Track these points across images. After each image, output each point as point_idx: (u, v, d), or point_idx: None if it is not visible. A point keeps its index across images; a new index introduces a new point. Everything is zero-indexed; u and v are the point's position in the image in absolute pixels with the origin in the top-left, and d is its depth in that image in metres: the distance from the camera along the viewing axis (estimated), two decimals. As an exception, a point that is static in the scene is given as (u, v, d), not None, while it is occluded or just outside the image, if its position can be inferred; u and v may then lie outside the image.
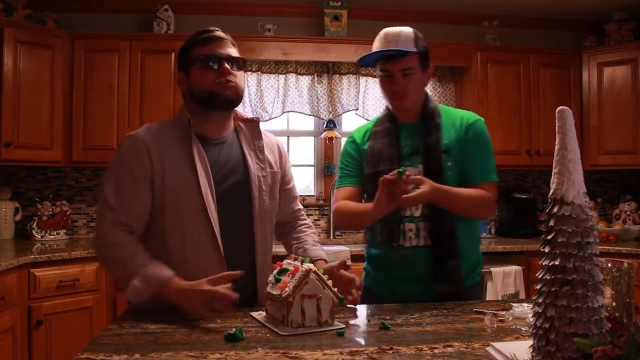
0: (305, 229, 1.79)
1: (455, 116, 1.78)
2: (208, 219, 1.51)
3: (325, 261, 1.67)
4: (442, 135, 1.72)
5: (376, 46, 1.72)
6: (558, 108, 0.88)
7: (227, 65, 1.54)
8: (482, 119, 1.79)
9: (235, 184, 1.58)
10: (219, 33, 1.58)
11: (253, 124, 1.68)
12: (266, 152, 1.66)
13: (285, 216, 1.77)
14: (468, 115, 1.78)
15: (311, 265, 1.32)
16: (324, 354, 1.10)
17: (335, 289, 1.35)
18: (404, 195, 1.50)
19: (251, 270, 1.58)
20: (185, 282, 1.40)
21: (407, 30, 1.71)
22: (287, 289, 1.28)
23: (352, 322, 1.37)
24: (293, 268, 1.34)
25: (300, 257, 1.37)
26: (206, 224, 1.51)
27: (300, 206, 1.84)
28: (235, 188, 1.58)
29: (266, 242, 1.64)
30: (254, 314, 1.42)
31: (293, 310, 1.27)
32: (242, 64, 1.60)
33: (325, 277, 1.34)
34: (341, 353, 1.11)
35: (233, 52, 1.58)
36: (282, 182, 1.72)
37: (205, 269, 1.46)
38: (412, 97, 1.73)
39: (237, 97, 1.58)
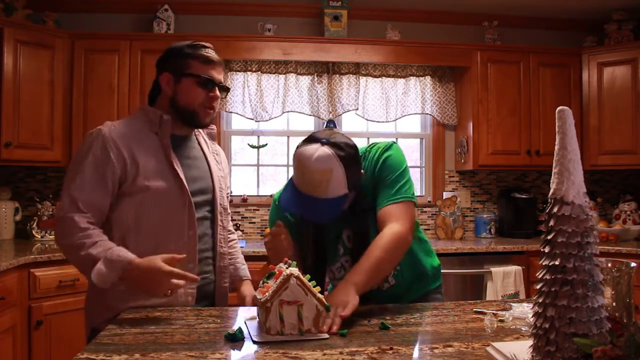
0: (235, 245, 1.90)
1: (369, 164, 1.59)
2: (191, 213, 1.59)
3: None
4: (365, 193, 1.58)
5: (297, 183, 1.46)
6: (558, 108, 0.88)
7: (217, 93, 1.64)
8: (390, 143, 1.61)
9: (201, 177, 1.68)
10: (217, 57, 1.66)
11: (210, 130, 1.80)
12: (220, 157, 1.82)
13: None
14: (375, 154, 1.59)
15: (294, 270, 1.24)
16: (324, 354, 1.10)
17: (322, 297, 1.25)
18: (342, 314, 1.29)
19: (212, 259, 1.68)
20: (143, 264, 1.43)
21: (336, 169, 1.41)
22: (267, 293, 1.22)
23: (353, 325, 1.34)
24: (277, 272, 1.26)
25: (288, 261, 1.31)
26: (188, 218, 1.59)
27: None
28: (200, 180, 1.67)
29: (224, 233, 1.74)
30: (248, 320, 1.36)
31: (271, 317, 1.21)
32: (227, 92, 1.73)
33: (310, 284, 1.24)
34: (341, 353, 1.11)
35: (222, 78, 1.68)
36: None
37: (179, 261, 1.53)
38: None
39: (210, 123, 1.72)
